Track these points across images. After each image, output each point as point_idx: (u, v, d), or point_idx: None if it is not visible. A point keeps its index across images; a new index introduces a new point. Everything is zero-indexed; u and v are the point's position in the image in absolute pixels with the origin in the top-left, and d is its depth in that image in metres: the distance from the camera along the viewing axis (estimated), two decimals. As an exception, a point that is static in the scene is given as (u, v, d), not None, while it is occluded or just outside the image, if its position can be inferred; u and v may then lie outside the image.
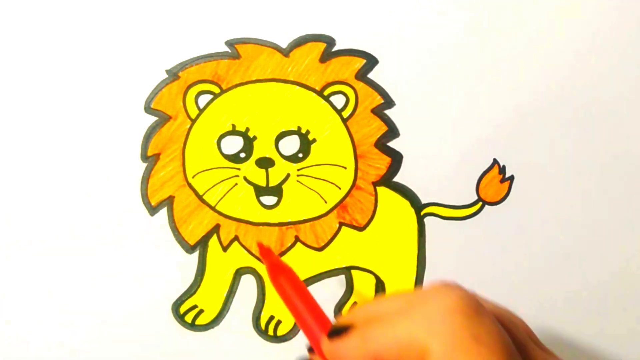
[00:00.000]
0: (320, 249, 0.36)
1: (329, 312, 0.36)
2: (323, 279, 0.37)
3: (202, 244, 0.36)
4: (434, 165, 0.36)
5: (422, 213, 0.37)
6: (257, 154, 0.36)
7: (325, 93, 0.36)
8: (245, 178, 0.36)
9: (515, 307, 0.30)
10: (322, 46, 0.36)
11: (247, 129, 0.36)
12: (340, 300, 0.37)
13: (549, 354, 0.27)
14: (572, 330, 0.37)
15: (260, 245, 0.31)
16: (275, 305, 0.36)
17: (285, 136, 0.36)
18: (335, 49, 0.36)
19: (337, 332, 0.25)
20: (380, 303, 0.28)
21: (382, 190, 0.36)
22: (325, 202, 0.36)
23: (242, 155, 0.36)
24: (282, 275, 0.29)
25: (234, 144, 0.36)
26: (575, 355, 0.37)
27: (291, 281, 0.29)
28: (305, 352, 0.28)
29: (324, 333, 0.26)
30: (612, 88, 0.37)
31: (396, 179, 0.36)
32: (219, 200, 0.36)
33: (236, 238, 0.36)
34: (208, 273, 0.36)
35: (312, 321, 0.27)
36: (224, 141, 0.36)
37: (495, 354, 0.23)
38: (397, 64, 0.36)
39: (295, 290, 0.28)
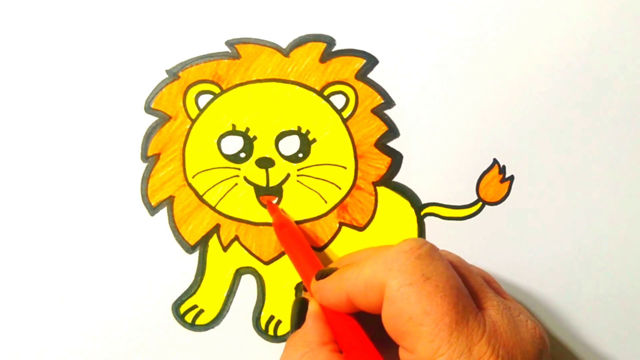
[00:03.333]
0: (320, 249, 0.36)
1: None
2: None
3: (202, 244, 0.36)
4: (434, 165, 0.36)
5: (422, 213, 0.37)
6: (257, 154, 0.36)
7: (325, 93, 0.36)
8: (245, 178, 0.36)
9: (515, 307, 0.30)
10: (322, 46, 0.36)
11: (247, 129, 0.36)
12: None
13: (505, 299, 0.30)
14: (571, 330, 0.37)
15: (269, 202, 0.36)
16: (275, 305, 0.36)
17: (285, 136, 0.36)
18: (335, 49, 0.36)
19: (323, 274, 0.31)
20: (358, 253, 0.35)
21: (382, 190, 0.36)
22: (325, 202, 0.36)
23: (242, 155, 0.36)
24: (284, 228, 0.34)
25: (234, 144, 0.36)
26: (572, 355, 0.37)
27: (292, 233, 0.34)
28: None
29: (314, 275, 0.31)
30: (613, 88, 0.37)
31: (396, 179, 0.36)
32: (219, 200, 0.36)
33: (236, 238, 0.36)
34: (208, 273, 0.36)
35: (306, 265, 0.32)
36: (224, 141, 0.36)
37: (441, 291, 0.26)
38: (397, 64, 0.36)
39: (294, 241, 0.33)
